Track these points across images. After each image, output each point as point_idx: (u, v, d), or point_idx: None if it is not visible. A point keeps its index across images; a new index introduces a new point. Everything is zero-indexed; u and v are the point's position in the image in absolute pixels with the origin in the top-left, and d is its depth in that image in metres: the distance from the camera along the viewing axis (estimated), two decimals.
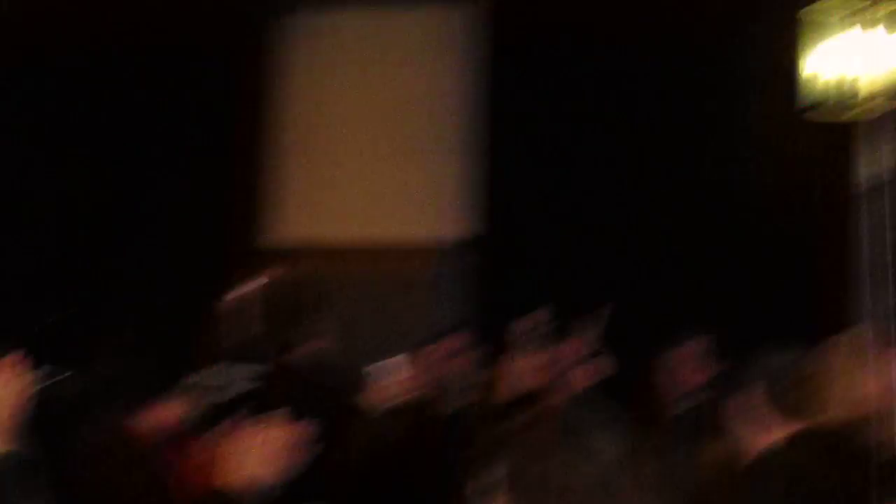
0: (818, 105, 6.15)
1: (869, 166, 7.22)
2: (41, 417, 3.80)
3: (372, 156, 8.09)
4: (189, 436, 4.55)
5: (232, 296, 5.64)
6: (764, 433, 4.22)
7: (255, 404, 4.02)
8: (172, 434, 4.55)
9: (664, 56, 7.68)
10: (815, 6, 5.87)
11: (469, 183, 8.01)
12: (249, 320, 5.43)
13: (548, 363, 5.58)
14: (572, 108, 7.82)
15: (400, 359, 5.55)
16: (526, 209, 7.85)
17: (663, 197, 7.65)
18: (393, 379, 5.55)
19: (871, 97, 6.02)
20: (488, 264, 7.90)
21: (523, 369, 5.52)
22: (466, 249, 7.92)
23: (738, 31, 7.46)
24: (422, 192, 8.14)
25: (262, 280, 5.70)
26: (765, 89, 7.23)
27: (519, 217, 7.87)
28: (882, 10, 5.82)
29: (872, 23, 5.82)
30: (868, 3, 5.78)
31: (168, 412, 4.59)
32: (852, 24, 5.86)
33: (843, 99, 6.03)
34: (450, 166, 8.11)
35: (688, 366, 6.28)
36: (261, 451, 3.91)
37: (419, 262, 7.96)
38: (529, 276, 7.71)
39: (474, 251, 7.95)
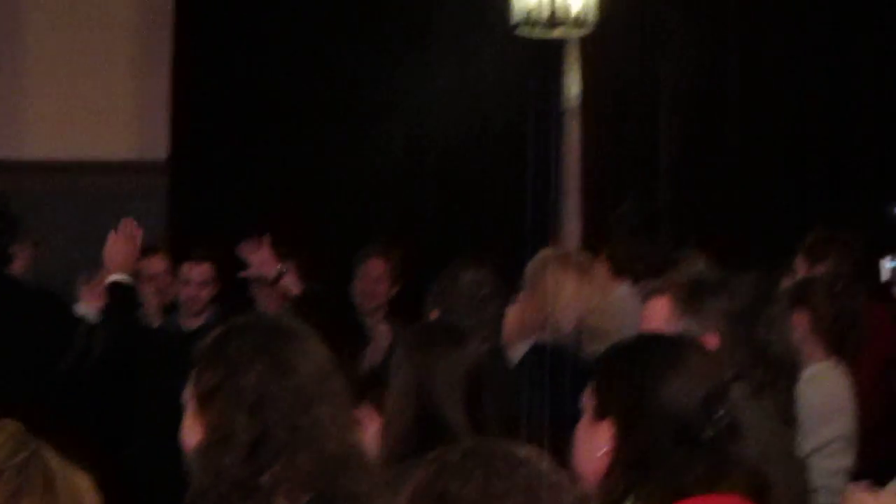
0: (528, 21, 6.21)
1: (571, 86, 7.39)
2: None
3: (67, 72, 7.88)
4: None
5: None
6: None
7: None
8: None
9: None
10: None
11: (162, 103, 7.85)
12: None
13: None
14: (261, 33, 7.72)
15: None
16: (215, 132, 7.75)
17: (371, 120, 7.61)
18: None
19: (575, 19, 6.11)
20: (179, 183, 7.82)
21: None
22: (159, 167, 7.82)
23: None
24: (116, 110, 7.97)
25: None
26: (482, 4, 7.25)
27: (208, 138, 7.77)
28: None
29: None
30: None
31: None
32: None
33: (549, 18, 6.10)
34: (144, 85, 7.96)
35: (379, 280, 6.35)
36: None
37: (115, 178, 7.81)
38: (216, 197, 7.64)
39: (167, 169, 7.83)
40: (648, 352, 2.45)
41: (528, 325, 4.39)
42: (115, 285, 4.86)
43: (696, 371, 2.39)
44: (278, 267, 5.37)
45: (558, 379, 4.03)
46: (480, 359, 3.41)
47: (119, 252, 4.90)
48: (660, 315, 3.31)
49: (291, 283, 5.40)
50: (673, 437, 2.34)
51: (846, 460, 4.47)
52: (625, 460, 2.36)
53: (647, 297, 3.50)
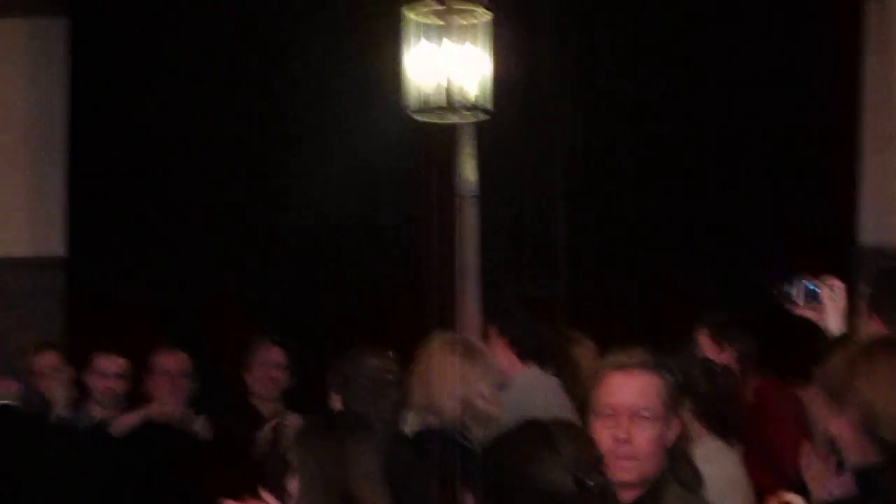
0: (424, 107, 6.21)
1: (468, 172, 7.43)
2: None
3: None
4: None
5: None
6: None
7: None
8: None
9: (268, 59, 7.62)
10: (411, 8, 5.91)
11: (58, 200, 7.80)
12: None
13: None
14: (156, 127, 7.68)
15: None
16: (112, 229, 7.68)
17: (275, 198, 7.57)
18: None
19: (472, 105, 6.13)
20: (74, 283, 7.73)
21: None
22: (54, 267, 7.71)
23: (347, 34, 7.47)
24: (10, 206, 7.93)
25: None
26: (378, 90, 7.27)
27: (105, 237, 7.69)
28: (463, 22, 5.93)
29: (460, 34, 5.93)
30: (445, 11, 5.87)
31: None
32: (446, 32, 5.94)
33: (445, 104, 6.11)
34: (40, 182, 7.91)
35: (267, 370, 6.32)
36: None
37: (7, 276, 7.75)
38: (112, 297, 7.54)
39: (62, 269, 7.74)
40: (522, 439, 2.66)
41: (415, 408, 4.40)
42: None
43: (568, 451, 2.60)
44: None
45: (443, 464, 4.07)
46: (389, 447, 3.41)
47: None
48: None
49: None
50: None
51: None
52: None
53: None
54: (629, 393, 3.26)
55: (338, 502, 3.22)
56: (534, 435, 2.68)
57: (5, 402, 5.29)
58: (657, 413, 3.25)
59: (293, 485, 3.30)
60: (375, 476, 3.28)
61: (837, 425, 3.12)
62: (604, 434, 3.18)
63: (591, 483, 2.58)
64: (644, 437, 3.22)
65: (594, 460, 2.66)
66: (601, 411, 3.26)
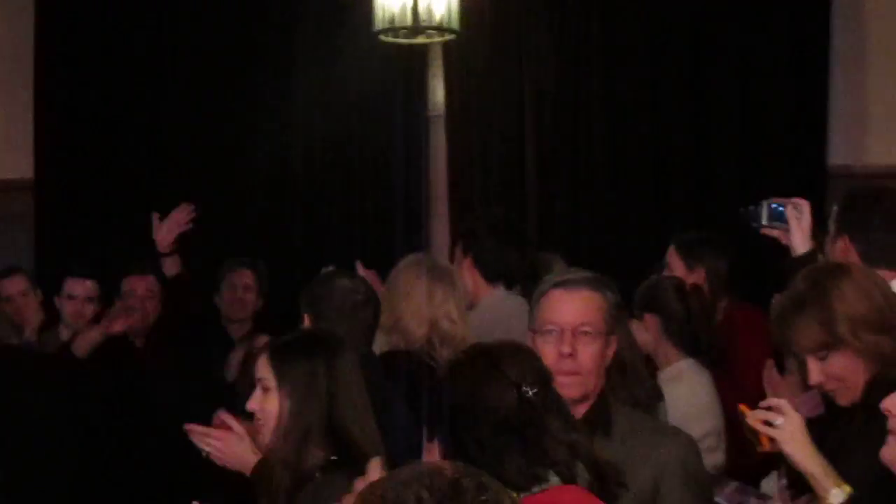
0: (391, 29, 6.18)
1: (436, 92, 7.40)
2: None
3: None
4: None
5: None
6: None
7: None
8: None
9: None
10: None
11: (27, 124, 7.72)
12: None
13: None
14: (126, 47, 7.62)
15: None
16: (81, 152, 7.64)
17: (244, 120, 7.53)
18: None
19: (438, 25, 6.11)
20: (43, 206, 7.70)
21: None
22: (23, 189, 7.68)
23: None
24: None
25: None
26: (345, 13, 7.23)
27: (74, 159, 7.65)
28: None
29: None
30: None
31: None
32: None
33: (412, 25, 6.08)
34: (9, 106, 7.79)
35: (237, 293, 6.37)
36: None
37: None
38: (83, 216, 7.56)
39: (31, 191, 7.71)
40: (468, 363, 2.76)
41: (383, 329, 4.42)
42: None
43: (513, 371, 2.69)
44: (174, 244, 5.81)
45: (410, 386, 4.17)
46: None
47: None
48: None
49: (173, 264, 5.84)
50: (492, 429, 2.63)
51: (717, 456, 4.54)
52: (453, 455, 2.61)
53: None
54: (572, 310, 3.27)
55: (324, 419, 3.23)
56: (478, 358, 2.74)
57: None
58: (599, 329, 3.27)
59: (272, 403, 3.28)
60: (360, 392, 3.30)
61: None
62: (547, 350, 3.21)
63: (531, 392, 2.65)
64: (587, 353, 3.24)
65: (539, 375, 2.72)
66: (544, 328, 3.28)
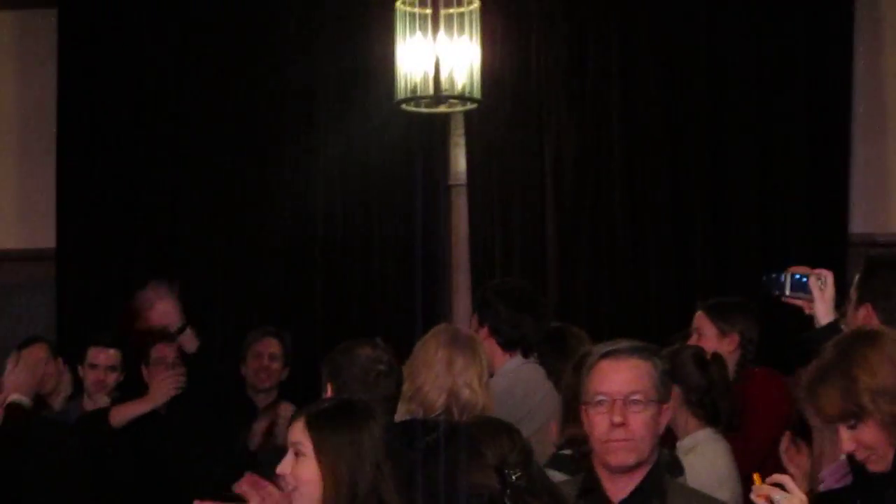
0: (413, 98, 6.23)
1: (458, 161, 7.43)
2: None
3: None
4: None
5: None
6: None
7: None
8: None
9: (259, 53, 7.62)
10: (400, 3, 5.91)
11: (50, 193, 7.79)
12: None
13: None
14: (146, 120, 7.69)
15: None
16: (103, 221, 7.69)
17: (265, 189, 7.56)
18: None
19: (460, 94, 6.15)
20: (65, 274, 7.74)
21: None
22: (45, 259, 7.73)
23: (337, 25, 7.47)
24: (5, 200, 7.97)
25: None
26: (369, 82, 7.28)
27: (95, 229, 7.70)
28: (452, 11, 5.95)
29: (449, 24, 5.95)
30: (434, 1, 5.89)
31: None
32: (435, 22, 5.95)
33: (434, 94, 6.13)
34: (33, 175, 7.91)
35: (263, 361, 6.37)
36: None
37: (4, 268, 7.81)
38: (104, 285, 7.58)
39: (54, 261, 7.76)
40: (446, 446, 2.79)
41: (403, 398, 4.40)
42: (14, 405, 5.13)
43: (491, 451, 2.72)
44: (181, 320, 5.70)
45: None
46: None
47: (19, 377, 5.29)
48: None
49: (189, 340, 5.71)
50: None
51: None
52: None
53: None
54: (621, 379, 3.27)
55: (352, 487, 3.20)
56: (456, 441, 2.75)
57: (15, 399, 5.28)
58: (650, 397, 3.26)
59: (307, 470, 3.24)
60: (384, 461, 3.27)
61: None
62: (598, 420, 3.19)
63: (515, 476, 2.64)
64: (639, 422, 3.25)
65: (521, 455, 2.71)
66: (595, 399, 3.27)
